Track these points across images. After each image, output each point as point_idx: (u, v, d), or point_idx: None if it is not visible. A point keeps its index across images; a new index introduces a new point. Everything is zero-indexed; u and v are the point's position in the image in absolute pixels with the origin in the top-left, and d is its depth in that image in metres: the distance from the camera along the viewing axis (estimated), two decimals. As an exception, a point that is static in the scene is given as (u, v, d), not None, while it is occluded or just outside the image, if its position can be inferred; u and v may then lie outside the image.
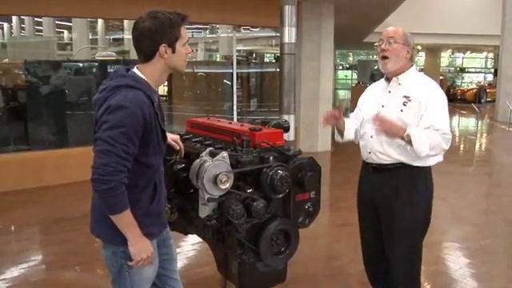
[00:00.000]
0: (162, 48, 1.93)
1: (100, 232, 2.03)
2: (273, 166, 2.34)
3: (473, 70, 33.31)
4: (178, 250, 3.11)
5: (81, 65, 10.42)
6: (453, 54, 32.48)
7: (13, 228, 5.13)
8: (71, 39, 22.82)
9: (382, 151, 2.66)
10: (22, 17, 17.32)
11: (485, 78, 31.26)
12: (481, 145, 11.88)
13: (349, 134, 2.92)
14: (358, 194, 2.97)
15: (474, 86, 26.50)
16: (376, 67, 21.22)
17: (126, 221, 1.88)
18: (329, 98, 9.83)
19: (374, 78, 16.47)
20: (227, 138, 2.55)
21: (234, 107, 8.77)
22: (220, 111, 11.64)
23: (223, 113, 11.13)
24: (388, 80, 2.77)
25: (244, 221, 2.26)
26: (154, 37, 1.93)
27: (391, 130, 2.56)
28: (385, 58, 2.66)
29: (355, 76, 28.95)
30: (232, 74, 12.03)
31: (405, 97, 2.63)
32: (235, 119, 9.41)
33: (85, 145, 7.35)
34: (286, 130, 2.72)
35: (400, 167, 2.65)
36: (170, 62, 1.99)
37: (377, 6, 9.54)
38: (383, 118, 2.56)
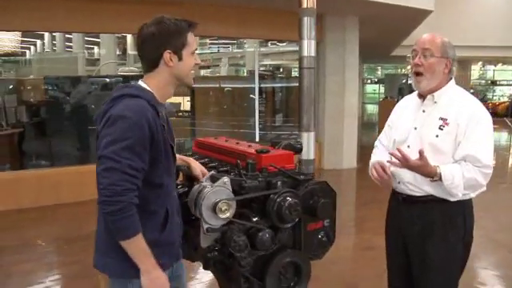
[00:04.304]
0: (167, 55, 1.78)
1: (105, 266, 1.84)
2: (280, 192, 2.10)
3: (505, 82, 32.27)
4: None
5: (106, 80, 10.43)
6: (483, 66, 31.62)
7: (24, 247, 5.00)
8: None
9: (412, 182, 2.31)
10: (54, 34, 17.57)
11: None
12: (515, 161, 11.38)
13: None
14: (387, 227, 2.60)
15: (506, 99, 25.76)
16: (404, 81, 20.84)
17: (138, 247, 1.69)
18: (354, 113, 9.54)
19: (401, 93, 16.10)
20: (233, 160, 2.33)
21: (256, 123, 8.57)
22: (245, 126, 11.50)
23: (248, 128, 10.99)
24: (422, 97, 2.38)
25: (247, 254, 2.02)
26: (157, 42, 1.78)
27: (419, 172, 2.20)
28: (419, 74, 2.28)
29: (383, 90, 28.48)
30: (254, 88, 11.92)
31: (441, 119, 2.25)
32: (257, 135, 9.23)
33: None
34: (299, 151, 2.48)
35: (434, 200, 2.28)
36: (175, 71, 1.83)
37: (402, 19, 9.26)
38: (410, 160, 2.15)
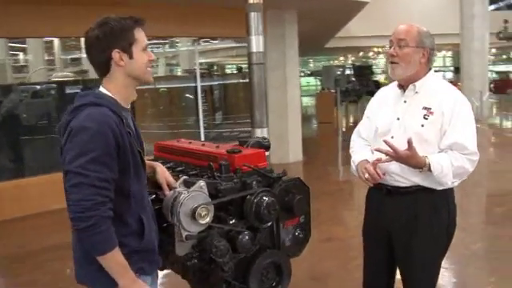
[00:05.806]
0: (116, 54, 1.71)
1: (86, 276, 1.75)
2: (257, 192, 2.05)
3: (436, 68, 33.88)
4: None
5: (38, 87, 9.91)
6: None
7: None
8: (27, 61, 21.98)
9: (399, 173, 2.27)
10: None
11: (444, 77, 31.93)
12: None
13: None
14: (366, 220, 2.55)
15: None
16: (339, 72, 21.28)
17: (115, 261, 1.63)
18: (297, 106, 9.63)
19: (338, 84, 16.41)
20: (202, 163, 2.25)
21: (201, 122, 8.45)
22: (185, 126, 11.34)
23: (188, 127, 10.85)
24: (402, 87, 2.36)
25: (229, 258, 1.96)
26: (103, 44, 1.72)
27: (408, 163, 2.19)
28: (393, 62, 2.28)
29: (317, 82, 28.97)
30: (195, 87, 11.74)
31: (425, 108, 2.24)
32: (202, 134, 9.11)
33: (45, 173, 6.84)
34: (267, 148, 2.44)
35: (419, 190, 2.27)
36: (129, 70, 1.77)
37: (339, 12, 9.45)
38: (399, 151, 2.14)
